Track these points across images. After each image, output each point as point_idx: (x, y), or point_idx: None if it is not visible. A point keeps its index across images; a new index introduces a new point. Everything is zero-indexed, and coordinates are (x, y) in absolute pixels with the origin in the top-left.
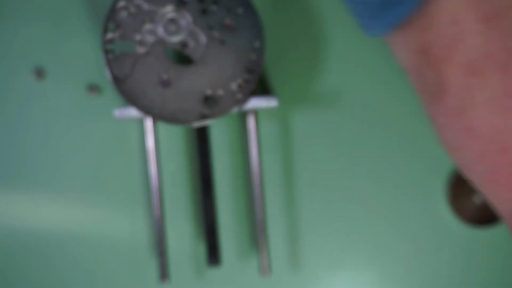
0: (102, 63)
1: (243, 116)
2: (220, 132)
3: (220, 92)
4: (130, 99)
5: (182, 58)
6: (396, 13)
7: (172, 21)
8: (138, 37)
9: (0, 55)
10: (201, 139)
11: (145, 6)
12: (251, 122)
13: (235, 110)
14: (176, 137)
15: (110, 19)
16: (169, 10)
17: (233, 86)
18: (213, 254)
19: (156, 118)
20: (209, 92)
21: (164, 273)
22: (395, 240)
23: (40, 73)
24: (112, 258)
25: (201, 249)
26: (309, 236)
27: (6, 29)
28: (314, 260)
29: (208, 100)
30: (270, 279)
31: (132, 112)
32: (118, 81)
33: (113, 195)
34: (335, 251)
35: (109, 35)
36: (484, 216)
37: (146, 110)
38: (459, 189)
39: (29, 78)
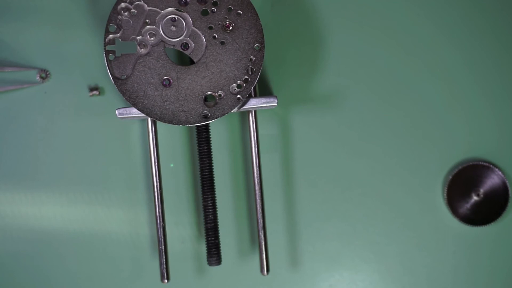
0: (104, 63)
1: (243, 116)
2: (220, 132)
3: (220, 92)
4: (131, 99)
5: (183, 58)
6: None
7: (173, 22)
8: (139, 38)
9: (6, 57)
10: (201, 139)
11: (146, 8)
12: (251, 122)
13: (235, 110)
14: (176, 137)
15: (111, 20)
16: (169, 11)
17: (233, 86)
18: (213, 254)
19: (157, 118)
20: (209, 92)
21: (164, 273)
22: (394, 239)
23: (45, 71)
24: (112, 258)
25: (201, 249)
26: (308, 235)
27: (11, 32)
28: (313, 259)
29: (208, 101)
30: (269, 278)
31: (133, 112)
32: (119, 82)
33: (114, 195)
34: (334, 250)
35: (110, 36)
36: (478, 215)
37: (147, 110)
38: (455, 190)
39: (33, 79)
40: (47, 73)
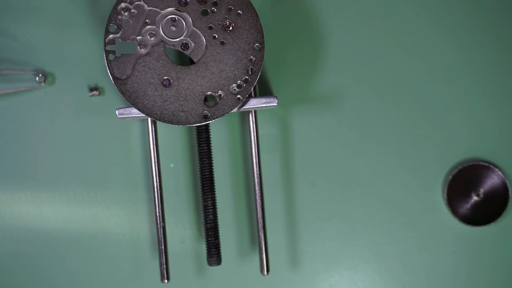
0: (104, 63)
1: (243, 116)
2: (220, 132)
3: (220, 92)
4: (131, 99)
5: (183, 58)
6: None
7: (173, 22)
8: (139, 38)
9: (6, 57)
10: (201, 139)
11: (146, 8)
12: (251, 122)
13: (235, 110)
14: (176, 137)
15: (111, 20)
16: (169, 12)
17: (233, 86)
18: (213, 254)
19: (157, 118)
20: (209, 92)
21: (164, 273)
22: (394, 239)
23: (44, 74)
24: (112, 258)
25: (201, 249)
26: (308, 235)
27: (11, 32)
28: (313, 259)
29: (208, 101)
30: (269, 278)
31: (133, 112)
32: (119, 82)
33: (114, 195)
34: (334, 250)
35: (110, 36)
36: (478, 215)
37: (147, 110)
38: (455, 190)
39: (31, 81)
40: (46, 76)
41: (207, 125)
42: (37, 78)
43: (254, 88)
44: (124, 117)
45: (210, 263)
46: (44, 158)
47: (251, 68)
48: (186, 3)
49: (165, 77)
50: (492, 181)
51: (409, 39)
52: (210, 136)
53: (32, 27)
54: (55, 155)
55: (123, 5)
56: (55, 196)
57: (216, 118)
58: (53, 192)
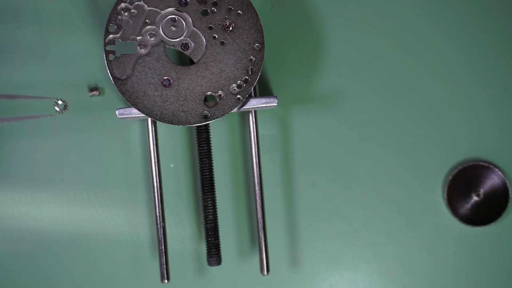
0: (104, 63)
1: (243, 116)
2: (220, 132)
3: (220, 92)
4: (131, 99)
5: (183, 59)
6: None
7: (173, 22)
8: (139, 38)
9: (5, 57)
10: (201, 139)
11: (146, 8)
12: (251, 122)
13: (235, 110)
14: (176, 137)
15: (111, 20)
16: (169, 12)
17: (233, 86)
18: (213, 254)
19: (157, 118)
20: (209, 92)
21: (164, 273)
22: (394, 239)
23: (64, 102)
24: (112, 258)
25: (201, 249)
26: (308, 235)
27: (11, 32)
28: (313, 259)
29: (208, 101)
30: (269, 278)
31: (133, 112)
32: (119, 82)
33: (114, 195)
34: (334, 250)
35: (110, 36)
36: (478, 215)
37: (147, 110)
38: (455, 190)
39: (50, 107)
40: (66, 104)
41: (207, 125)
42: (57, 108)
43: (254, 88)
44: (124, 117)
45: (210, 263)
46: (44, 158)
47: (251, 68)
48: (186, 3)
49: (165, 77)
50: (492, 181)
51: (409, 39)
52: (210, 136)
53: (32, 27)
54: (55, 155)
55: (123, 5)
56: (55, 196)
57: (216, 118)
58: (53, 192)
